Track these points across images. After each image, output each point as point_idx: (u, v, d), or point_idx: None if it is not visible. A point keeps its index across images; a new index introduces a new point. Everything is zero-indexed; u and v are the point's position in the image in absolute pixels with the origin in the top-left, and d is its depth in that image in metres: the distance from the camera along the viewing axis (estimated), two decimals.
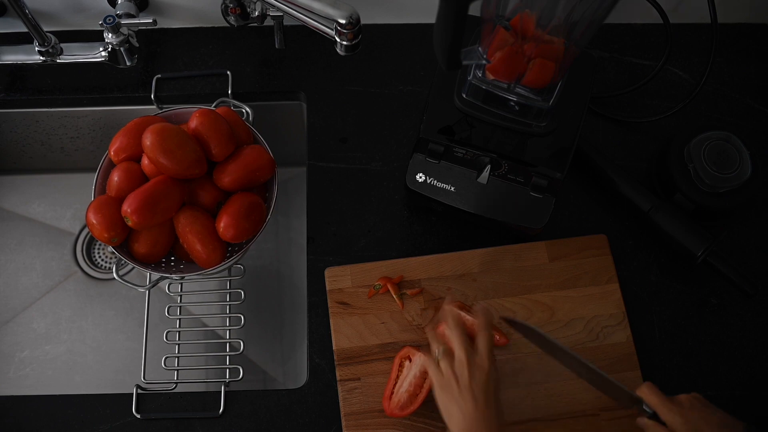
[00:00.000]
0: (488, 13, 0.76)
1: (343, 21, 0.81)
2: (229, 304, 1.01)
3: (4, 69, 1.09)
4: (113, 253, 1.14)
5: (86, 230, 1.24)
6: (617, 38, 1.11)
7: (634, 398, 0.82)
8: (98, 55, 1.04)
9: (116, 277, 0.91)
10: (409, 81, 1.08)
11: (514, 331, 0.92)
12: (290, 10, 0.85)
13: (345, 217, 1.01)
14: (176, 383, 0.96)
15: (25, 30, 0.98)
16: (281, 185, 1.24)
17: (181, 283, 1.05)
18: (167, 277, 0.94)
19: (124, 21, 1.01)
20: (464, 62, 0.79)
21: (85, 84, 1.09)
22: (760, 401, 0.93)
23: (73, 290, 1.20)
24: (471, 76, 0.86)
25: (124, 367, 1.15)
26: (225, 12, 1.00)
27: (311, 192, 1.02)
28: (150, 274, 1.03)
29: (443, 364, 0.77)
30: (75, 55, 1.04)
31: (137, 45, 1.03)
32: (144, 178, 0.90)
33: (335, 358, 0.92)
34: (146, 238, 0.88)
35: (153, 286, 0.95)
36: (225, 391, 0.92)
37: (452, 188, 0.91)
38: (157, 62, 1.10)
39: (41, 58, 1.03)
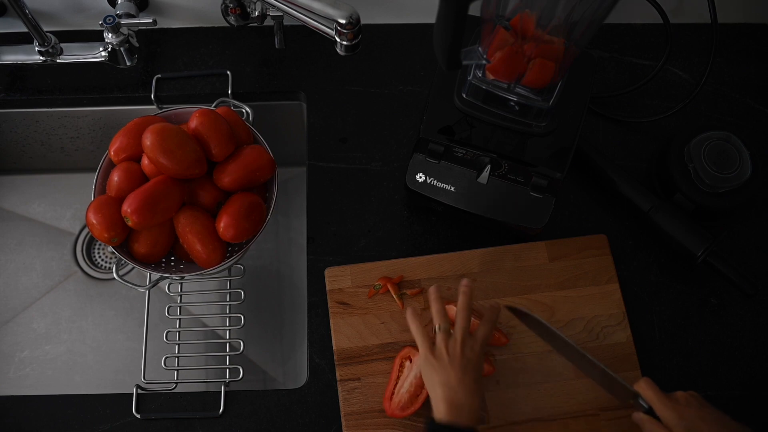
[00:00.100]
0: (488, 13, 0.76)
1: (343, 21, 0.81)
2: (229, 304, 1.01)
3: (4, 69, 1.09)
4: (113, 253, 1.14)
5: (86, 230, 1.24)
6: (617, 38, 1.11)
7: (631, 392, 0.83)
8: (98, 55, 1.04)
9: (116, 277, 0.91)
10: (409, 81, 1.08)
11: (515, 332, 0.92)
12: (290, 10, 0.85)
13: (345, 217, 1.01)
14: (176, 383, 0.96)
15: (25, 30, 0.98)
16: (281, 185, 1.24)
17: (181, 283, 1.05)
18: (167, 277, 0.94)
19: (124, 21, 1.01)
20: (464, 62, 0.79)
21: (85, 84, 1.09)
22: (760, 401, 0.92)
23: (73, 290, 1.20)
24: (471, 76, 0.86)
25: (124, 367, 1.15)
26: (225, 12, 1.00)
27: (311, 192, 1.02)
28: (150, 274, 1.03)
29: (439, 337, 0.81)
30: (75, 55, 1.04)
31: (137, 45, 1.03)
32: (144, 178, 0.90)
33: (335, 358, 0.92)
34: (146, 238, 0.88)
35: (153, 286, 0.95)
36: (225, 391, 0.92)
37: (452, 188, 0.91)
38: (157, 62, 1.10)
39: (41, 58, 1.03)
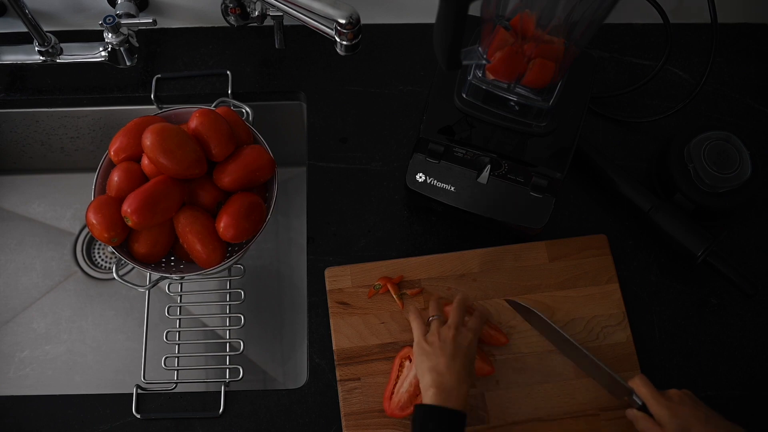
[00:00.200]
0: (488, 13, 0.76)
1: (343, 21, 0.81)
2: (229, 304, 1.01)
3: (4, 69, 1.09)
4: (113, 253, 1.14)
5: (86, 230, 1.24)
6: (617, 38, 1.11)
7: (626, 389, 0.83)
8: (98, 55, 1.04)
9: (116, 277, 0.91)
10: (409, 81, 1.08)
11: (515, 332, 0.92)
12: (290, 10, 0.85)
13: (345, 217, 1.01)
14: (176, 383, 0.96)
15: (25, 30, 0.98)
16: (281, 185, 1.24)
17: (181, 283, 1.05)
18: (167, 277, 0.94)
19: (124, 21, 1.01)
20: (464, 62, 0.79)
21: (85, 84, 1.09)
22: (760, 401, 0.92)
23: (73, 290, 1.20)
24: (471, 76, 0.86)
25: (124, 367, 1.15)
26: (225, 12, 1.00)
27: (311, 192, 1.02)
28: (150, 274, 1.03)
29: (433, 325, 0.84)
30: (75, 55, 1.04)
31: (137, 45, 1.03)
32: (144, 178, 0.90)
33: (335, 358, 0.92)
34: (146, 238, 0.88)
35: (153, 286, 0.95)
36: (225, 391, 0.92)
37: (452, 188, 0.91)
38: (157, 62, 1.10)
39: (41, 58, 1.03)
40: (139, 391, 0.93)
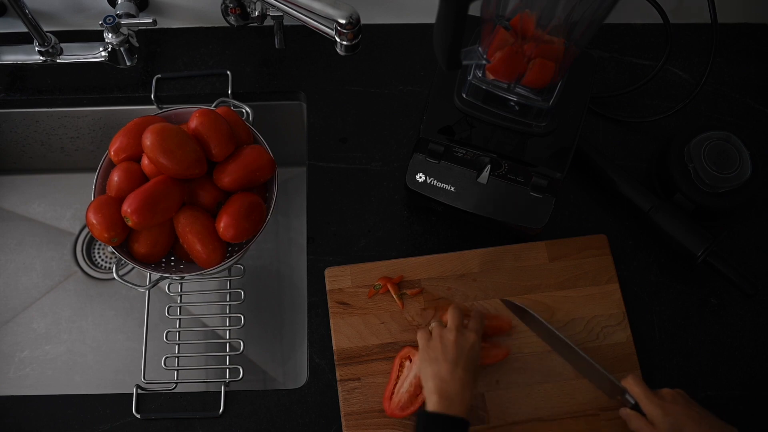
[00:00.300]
0: (488, 13, 0.76)
1: (343, 21, 0.81)
2: (229, 304, 1.01)
3: (4, 69, 1.09)
4: (113, 253, 1.14)
5: (86, 230, 1.24)
6: (617, 38, 1.11)
7: (619, 388, 0.84)
8: (98, 55, 1.04)
9: (116, 277, 0.91)
10: (409, 81, 1.08)
11: (515, 332, 0.92)
12: (290, 10, 0.85)
13: (345, 217, 1.01)
14: (176, 383, 0.96)
15: (25, 30, 0.98)
16: (281, 185, 1.24)
17: (181, 283, 1.05)
18: (167, 277, 0.94)
19: (124, 21, 1.01)
20: (464, 62, 0.79)
21: (85, 84, 1.09)
22: (760, 401, 0.92)
23: (73, 290, 1.20)
24: (471, 76, 0.86)
25: (124, 367, 1.15)
26: (225, 12, 1.00)
27: (311, 192, 1.02)
28: (150, 274, 1.03)
29: (436, 330, 0.84)
30: (75, 55, 1.04)
31: (137, 45, 1.03)
32: (144, 178, 0.90)
33: (335, 358, 0.92)
34: (146, 238, 0.88)
35: (153, 286, 0.95)
36: (225, 391, 0.92)
37: (452, 188, 0.91)
38: (157, 62, 1.10)
39: (41, 58, 1.03)
40: (139, 391, 0.93)
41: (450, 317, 0.85)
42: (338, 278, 0.95)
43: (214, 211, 0.91)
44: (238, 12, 1.00)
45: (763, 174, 0.95)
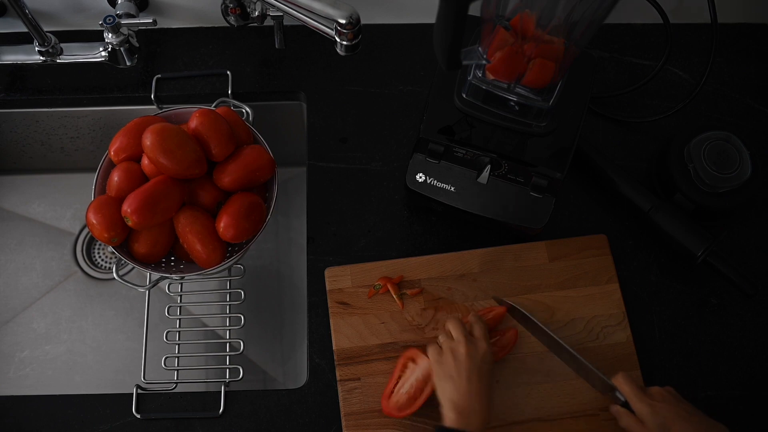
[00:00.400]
0: (488, 13, 0.76)
1: (343, 21, 0.81)
2: (229, 304, 1.01)
3: (4, 69, 1.09)
4: (113, 253, 1.14)
5: (86, 230, 1.24)
6: (617, 38, 1.11)
7: (609, 386, 0.84)
8: (98, 55, 1.04)
9: (116, 277, 0.91)
10: (409, 81, 1.08)
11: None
12: (290, 10, 0.85)
13: (345, 217, 1.01)
14: (176, 383, 0.96)
15: (25, 30, 0.98)
16: (281, 185, 1.24)
17: (181, 283, 1.05)
18: (167, 277, 0.94)
19: (124, 21, 1.01)
20: (464, 62, 0.79)
21: (85, 84, 1.09)
22: (760, 401, 0.92)
23: (73, 290, 1.20)
24: (471, 76, 0.85)
25: (124, 367, 1.15)
26: (225, 12, 1.00)
27: (311, 192, 1.02)
28: (150, 274, 1.03)
29: (444, 343, 0.84)
30: (75, 55, 1.04)
31: (137, 45, 1.03)
32: (144, 178, 0.90)
33: (335, 358, 0.92)
34: (146, 238, 0.88)
35: (153, 286, 0.95)
36: (225, 391, 0.92)
37: (452, 188, 0.91)
38: (157, 62, 1.10)
39: (41, 58, 1.03)
40: (139, 391, 0.93)
41: (453, 329, 0.84)
42: (338, 278, 0.95)
43: (214, 211, 0.91)
44: (238, 12, 1.00)
45: (763, 174, 0.95)
